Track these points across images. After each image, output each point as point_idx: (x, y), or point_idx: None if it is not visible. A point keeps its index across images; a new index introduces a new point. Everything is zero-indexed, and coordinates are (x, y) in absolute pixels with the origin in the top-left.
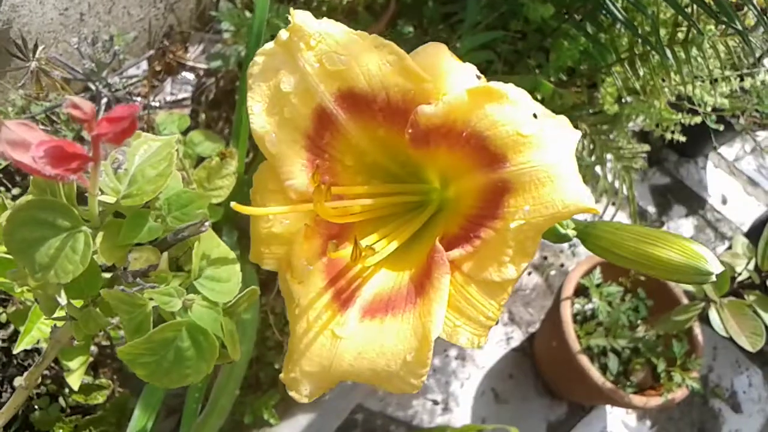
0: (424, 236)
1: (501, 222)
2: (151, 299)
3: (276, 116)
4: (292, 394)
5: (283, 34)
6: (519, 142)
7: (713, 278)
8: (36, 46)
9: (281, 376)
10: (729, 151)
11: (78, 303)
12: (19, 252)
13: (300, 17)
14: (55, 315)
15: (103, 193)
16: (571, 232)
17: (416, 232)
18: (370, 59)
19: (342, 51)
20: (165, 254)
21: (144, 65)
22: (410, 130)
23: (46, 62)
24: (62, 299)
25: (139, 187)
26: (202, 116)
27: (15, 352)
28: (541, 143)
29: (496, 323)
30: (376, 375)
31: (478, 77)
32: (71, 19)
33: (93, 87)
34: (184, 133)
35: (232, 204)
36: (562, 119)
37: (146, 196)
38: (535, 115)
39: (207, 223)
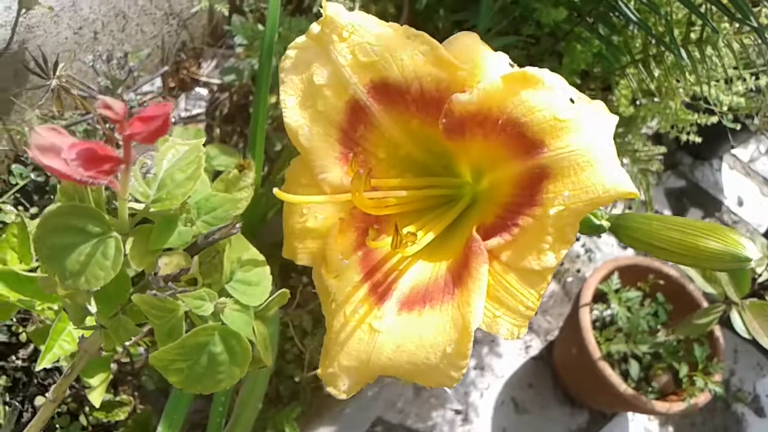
0: (459, 227)
1: (540, 209)
2: (183, 303)
3: (309, 109)
4: (329, 389)
5: (314, 27)
6: (557, 127)
7: (752, 264)
8: (56, 64)
9: (318, 372)
10: (744, 152)
11: (107, 311)
12: (49, 258)
13: (332, 9)
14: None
15: (131, 199)
16: (605, 223)
17: (451, 223)
18: (403, 50)
19: (374, 42)
20: (196, 258)
21: (158, 82)
22: (444, 120)
23: (66, 80)
24: (92, 307)
25: (169, 191)
26: (217, 131)
27: (37, 369)
28: (580, 127)
29: (535, 313)
30: (416, 368)
31: (511, 65)
32: (85, 37)
33: None
34: None
35: (275, 190)
36: (599, 104)
37: (176, 199)
38: (571, 100)
39: (238, 225)
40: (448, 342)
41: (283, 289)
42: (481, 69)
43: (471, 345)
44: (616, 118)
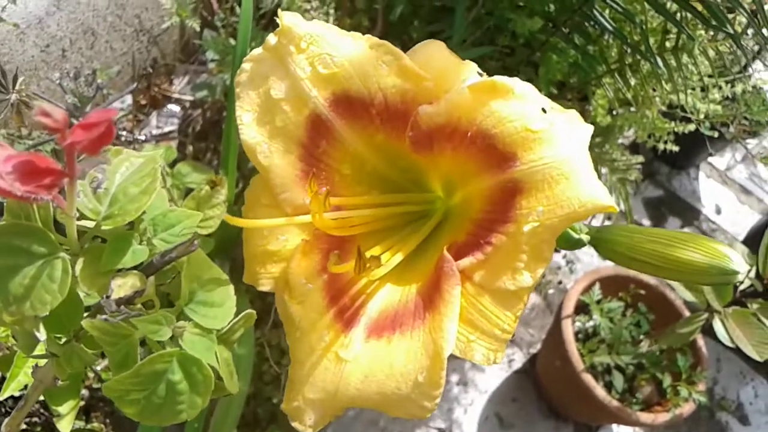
0: (430, 246)
1: (513, 226)
2: (136, 329)
3: (267, 126)
4: (295, 424)
5: (271, 38)
6: (529, 138)
7: (739, 277)
8: (16, 78)
9: (283, 406)
10: (720, 160)
11: (59, 338)
12: None
13: (289, 19)
14: (35, 353)
15: (82, 217)
16: (585, 237)
17: (421, 242)
18: (366, 60)
19: (335, 53)
20: (151, 279)
21: (128, 99)
22: (411, 133)
23: (27, 96)
24: (41, 334)
25: (121, 206)
26: (190, 148)
27: (0, 399)
28: (553, 139)
29: (512, 337)
30: (386, 399)
31: (480, 74)
32: (53, 55)
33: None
34: (172, 165)
35: (224, 215)
36: (573, 113)
37: (129, 216)
38: (543, 110)
39: (197, 242)
40: (419, 370)
41: (249, 311)
42: (449, 79)
43: (444, 373)
44: (590, 128)
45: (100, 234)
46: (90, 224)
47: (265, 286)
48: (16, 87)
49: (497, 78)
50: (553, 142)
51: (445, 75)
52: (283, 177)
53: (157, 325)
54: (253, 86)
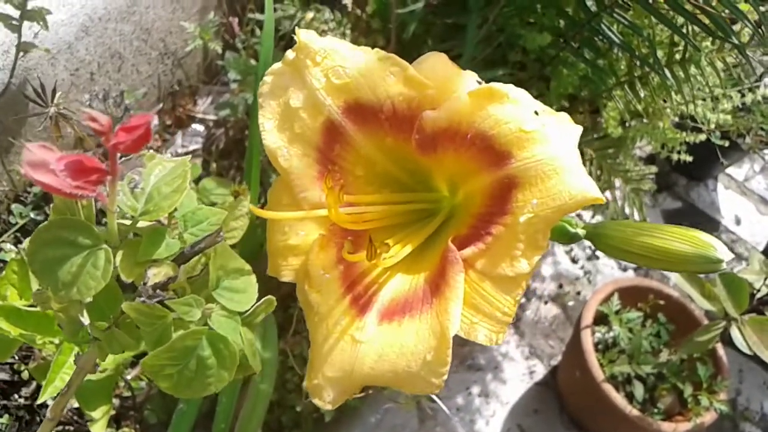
0: (436, 240)
1: (510, 217)
2: (171, 311)
3: (287, 132)
4: (315, 401)
5: (289, 53)
6: (522, 138)
7: (723, 266)
8: (54, 92)
9: (304, 384)
10: (738, 171)
11: (100, 324)
12: (42, 271)
13: (305, 36)
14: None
15: (119, 217)
16: (581, 231)
17: (428, 236)
18: (375, 71)
19: (347, 65)
20: (183, 267)
21: (154, 120)
22: (417, 136)
23: (64, 109)
24: (85, 319)
25: (156, 203)
26: (213, 165)
27: (38, 402)
28: (544, 138)
29: (513, 320)
30: (397, 377)
31: (479, 82)
32: (82, 78)
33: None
34: (197, 181)
35: (251, 206)
36: (563, 115)
37: (163, 211)
38: (536, 113)
39: (222, 234)
40: (427, 350)
41: (270, 296)
42: (450, 86)
43: (450, 352)
44: (580, 128)
45: (136, 230)
46: (127, 222)
47: (286, 276)
48: (54, 101)
49: (493, 84)
50: (545, 141)
51: (446, 83)
52: (301, 178)
53: (189, 307)
54: (274, 97)
